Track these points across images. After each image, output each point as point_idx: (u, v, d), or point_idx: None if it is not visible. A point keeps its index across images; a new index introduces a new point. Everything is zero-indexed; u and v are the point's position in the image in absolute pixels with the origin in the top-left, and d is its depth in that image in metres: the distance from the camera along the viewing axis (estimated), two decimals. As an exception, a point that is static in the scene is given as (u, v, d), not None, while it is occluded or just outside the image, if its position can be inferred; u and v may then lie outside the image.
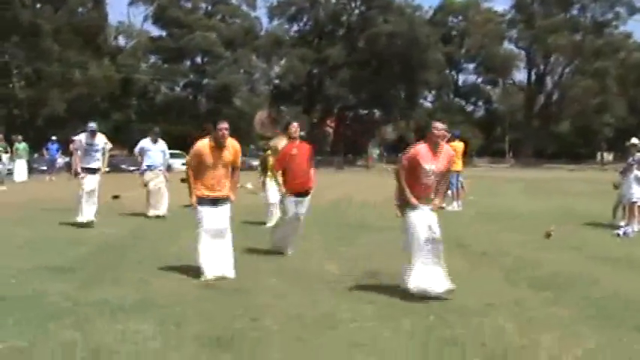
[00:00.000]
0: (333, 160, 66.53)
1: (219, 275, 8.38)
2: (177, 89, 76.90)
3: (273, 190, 14.03)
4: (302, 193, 10.42)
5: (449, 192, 20.11)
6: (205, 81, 72.31)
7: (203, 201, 8.73)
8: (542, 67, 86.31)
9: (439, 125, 7.80)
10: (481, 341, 6.02)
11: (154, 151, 16.57)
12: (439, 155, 7.78)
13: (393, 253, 9.83)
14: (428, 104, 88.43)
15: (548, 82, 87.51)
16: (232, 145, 8.88)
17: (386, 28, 70.75)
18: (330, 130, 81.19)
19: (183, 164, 40.06)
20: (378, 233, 13.80)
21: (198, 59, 74.34)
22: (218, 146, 8.75)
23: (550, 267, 10.13)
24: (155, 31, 76.88)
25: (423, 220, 7.60)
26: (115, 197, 21.26)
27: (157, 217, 15.97)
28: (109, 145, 15.16)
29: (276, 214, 13.78)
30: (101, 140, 14.75)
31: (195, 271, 8.91)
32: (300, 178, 10.42)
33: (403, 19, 72.39)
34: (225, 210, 8.80)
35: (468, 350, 5.81)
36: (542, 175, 49.71)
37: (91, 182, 14.31)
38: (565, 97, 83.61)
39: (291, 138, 10.70)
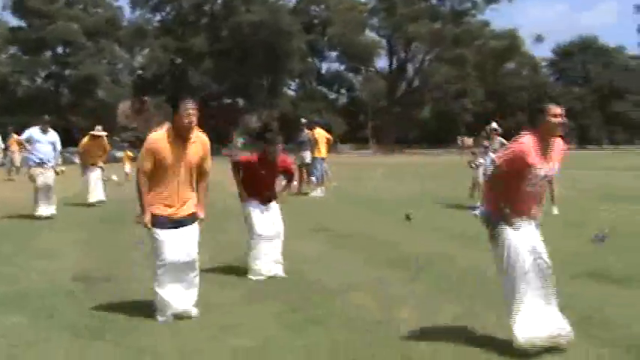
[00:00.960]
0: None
1: (180, 312, 7.60)
2: (39, 81, 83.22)
3: None
4: None
5: (312, 178, 24.42)
6: (67, 72, 79.27)
7: (161, 222, 7.46)
8: (403, 54, 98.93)
9: (556, 110, 6.41)
10: (343, 319, 7.41)
11: (44, 143, 17.47)
12: (551, 153, 6.56)
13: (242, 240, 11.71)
14: (292, 93, 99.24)
15: (410, 69, 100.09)
16: (200, 138, 7.73)
17: (249, 17, 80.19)
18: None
19: None
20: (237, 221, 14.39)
21: (60, 50, 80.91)
22: (181, 140, 7.50)
23: (409, 247, 12.05)
24: (14, 22, 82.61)
25: (526, 242, 6.53)
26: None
27: (47, 217, 17.01)
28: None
29: None
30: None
31: (70, 265, 10.53)
32: None
33: (266, 8, 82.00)
34: (192, 234, 7.71)
35: (331, 328, 7.11)
36: (404, 160, 56.69)
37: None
38: (426, 83, 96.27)
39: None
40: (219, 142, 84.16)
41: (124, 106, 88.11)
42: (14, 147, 34.30)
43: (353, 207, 20.02)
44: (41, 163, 17.39)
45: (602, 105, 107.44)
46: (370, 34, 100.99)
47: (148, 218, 7.51)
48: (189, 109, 7.60)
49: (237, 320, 7.52)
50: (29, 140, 17.63)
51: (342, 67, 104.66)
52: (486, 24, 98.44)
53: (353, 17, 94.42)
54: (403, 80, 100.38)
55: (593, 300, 8.25)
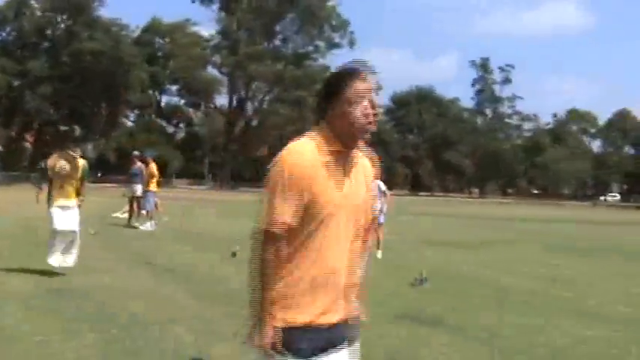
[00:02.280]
0: (30, 176, 76.35)
1: None
2: None
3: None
4: None
5: (143, 211, 24.43)
6: None
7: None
8: (243, 93, 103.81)
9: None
10: (160, 352, 7.47)
11: None
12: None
13: (85, 269, 12.61)
14: (130, 123, 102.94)
15: (249, 107, 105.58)
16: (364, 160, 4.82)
17: (90, 45, 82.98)
18: (29, 145, 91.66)
19: None
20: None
21: None
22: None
23: (233, 283, 12.17)
24: None
25: None
26: None
27: None
28: None
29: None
30: None
31: None
32: None
33: (108, 37, 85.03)
34: None
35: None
36: (238, 198, 57.19)
37: None
38: (265, 123, 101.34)
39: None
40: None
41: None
42: None
43: (181, 241, 19.76)
44: None
45: (435, 153, 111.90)
46: (212, 71, 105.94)
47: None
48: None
49: (52, 351, 7.51)
50: None
51: (182, 102, 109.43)
52: (327, 68, 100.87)
53: (195, 52, 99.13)
54: (242, 118, 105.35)
55: (401, 340, 8.71)
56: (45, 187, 12.61)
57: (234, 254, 16.13)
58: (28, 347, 7.57)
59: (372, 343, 7.90)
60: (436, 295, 12.43)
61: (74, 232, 12.63)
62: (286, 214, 3.40)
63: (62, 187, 13.00)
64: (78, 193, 13.11)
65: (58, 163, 12.97)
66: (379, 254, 18.53)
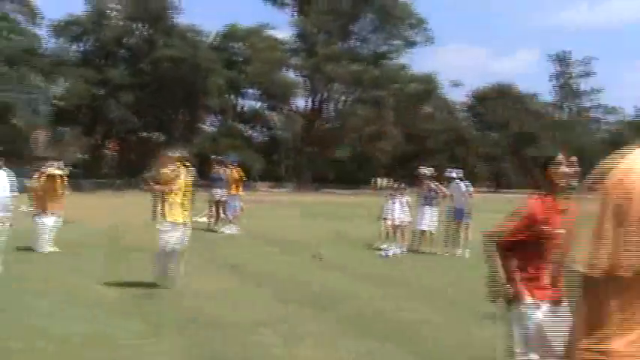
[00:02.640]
0: (114, 183, 78.04)
1: None
2: None
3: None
4: None
5: (223, 215, 24.78)
6: None
7: None
8: (322, 94, 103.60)
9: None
10: (246, 355, 7.76)
11: None
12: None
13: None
14: (210, 129, 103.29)
15: (328, 109, 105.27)
16: None
17: (169, 52, 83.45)
18: (111, 153, 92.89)
19: None
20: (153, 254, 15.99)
21: None
22: None
23: (317, 286, 12.54)
24: None
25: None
26: None
27: None
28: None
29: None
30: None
31: None
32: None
33: (186, 43, 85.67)
34: None
35: None
36: (319, 200, 58.61)
37: None
38: (344, 124, 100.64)
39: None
40: (134, 175, 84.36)
41: (39, 136, 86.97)
42: None
43: (265, 245, 20.22)
44: None
45: (517, 150, 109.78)
46: (290, 74, 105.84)
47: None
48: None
49: (138, 354, 7.67)
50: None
51: (262, 105, 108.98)
52: (405, 67, 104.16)
53: (273, 56, 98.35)
54: (322, 120, 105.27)
55: (490, 341, 8.27)
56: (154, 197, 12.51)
57: (317, 256, 16.75)
58: (115, 352, 7.74)
59: (460, 342, 8.24)
60: None
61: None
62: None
63: (175, 201, 12.05)
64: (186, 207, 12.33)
65: (173, 172, 12.13)
66: (467, 254, 18.52)
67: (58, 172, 18.53)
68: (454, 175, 20.37)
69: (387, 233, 20.28)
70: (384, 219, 20.41)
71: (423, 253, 19.23)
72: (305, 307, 10.69)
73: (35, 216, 17.96)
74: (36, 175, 18.44)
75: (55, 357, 7.60)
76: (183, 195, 12.18)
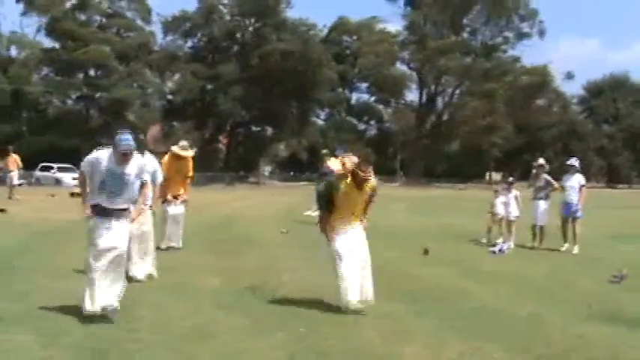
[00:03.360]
0: (224, 176, 79.21)
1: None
2: (70, 102, 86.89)
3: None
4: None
5: None
6: (98, 94, 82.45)
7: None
8: (433, 87, 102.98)
9: None
10: (349, 351, 7.60)
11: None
12: None
13: (274, 268, 13.00)
14: (320, 122, 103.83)
15: (439, 102, 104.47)
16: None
17: (279, 45, 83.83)
18: (222, 147, 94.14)
19: (74, 179, 54.66)
20: (263, 248, 16.81)
21: (92, 72, 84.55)
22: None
23: (424, 281, 12.26)
24: (48, 43, 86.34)
25: None
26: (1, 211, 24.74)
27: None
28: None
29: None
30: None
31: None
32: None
33: (297, 37, 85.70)
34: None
35: (335, 359, 7.37)
36: (429, 194, 58.21)
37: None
38: (455, 117, 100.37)
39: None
40: (246, 169, 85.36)
41: (154, 130, 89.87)
42: (13, 166, 36.93)
43: (373, 238, 19.11)
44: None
45: (633, 144, 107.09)
46: (401, 67, 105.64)
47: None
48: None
49: (241, 349, 7.75)
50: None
51: (372, 99, 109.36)
52: (517, 59, 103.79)
53: (383, 49, 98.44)
54: (432, 113, 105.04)
55: (600, 341, 8.39)
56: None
57: (426, 251, 16.32)
58: (218, 345, 7.85)
59: (571, 342, 7.96)
60: (637, 293, 11.87)
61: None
62: None
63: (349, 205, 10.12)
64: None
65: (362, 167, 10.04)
66: (575, 249, 17.86)
67: (185, 152, 16.11)
68: (572, 162, 19.28)
69: (490, 228, 19.82)
70: (492, 214, 20.02)
71: (534, 248, 18.39)
72: (410, 303, 10.45)
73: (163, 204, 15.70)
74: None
75: (155, 348, 7.72)
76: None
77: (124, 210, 9.28)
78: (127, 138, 8.98)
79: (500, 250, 17.43)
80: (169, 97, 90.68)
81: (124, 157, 8.98)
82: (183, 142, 16.39)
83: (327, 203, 10.12)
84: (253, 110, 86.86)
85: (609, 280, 12.68)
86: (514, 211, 19.21)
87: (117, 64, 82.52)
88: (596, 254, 16.98)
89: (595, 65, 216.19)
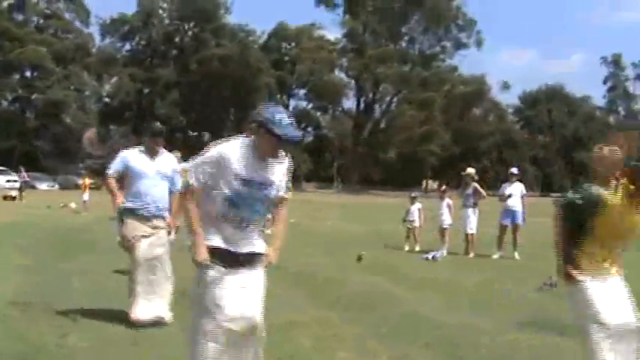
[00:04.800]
0: None
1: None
2: (5, 103, 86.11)
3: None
4: None
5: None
6: (34, 96, 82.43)
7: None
8: (371, 95, 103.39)
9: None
10: (281, 357, 7.33)
11: (152, 176, 8.90)
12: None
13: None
14: None
15: (377, 110, 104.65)
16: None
17: (218, 51, 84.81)
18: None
19: (7, 181, 54.16)
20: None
21: (28, 73, 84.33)
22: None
23: (356, 288, 12.11)
24: None
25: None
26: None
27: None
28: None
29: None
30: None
31: (9, 290, 10.26)
32: None
33: (236, 42, 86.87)
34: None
35: None
36: (365, 201, 58.70)
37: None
38: (392, 125, 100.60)
39: None
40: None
41: (90, 134, 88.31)
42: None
43: (306, 245, 19.25)
44: (147, 216, 8.63)
45: (566, 153, 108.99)
46: (339, 74, 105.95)
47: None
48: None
49: (176, 354, 7.17)
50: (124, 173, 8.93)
51: (310, 106, 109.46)
52: (455, 69, 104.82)
53: (322, 56, 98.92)
54: (370, 121, 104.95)
55: (531, 348, 8.36)
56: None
57: (359, 258, 16.05)
58: (147, 353, 7.46)
59: (501, 349, 7.90)
60: (566, 300, 11.44)
61: None
62: None
63: None
64: None
65: None
66: (517, 255, 18.04)
67: None
68: (515, 172, 19.67)
69: (408, 236, 20.03)
70: (408, 221, 20.23)
71: (466, 255, 18.40)
72: (342, 309, 10.31)
73: None
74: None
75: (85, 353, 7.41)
76: None
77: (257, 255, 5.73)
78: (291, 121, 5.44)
79: (433, 258, 17.28)
80: (106, 100, 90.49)
81: (274, 151, 5.52)
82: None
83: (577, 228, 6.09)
84: (191, 115, 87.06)
85: (540, 288, 12.60)
86: (447, 219, 19.16)
87: (54, 66, 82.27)
88: (530, 262, 16.91)
89: (532, 75, 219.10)
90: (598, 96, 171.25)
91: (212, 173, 5.43)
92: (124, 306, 9.04)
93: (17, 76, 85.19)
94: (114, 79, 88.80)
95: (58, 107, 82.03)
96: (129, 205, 8.71)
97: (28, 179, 49.20)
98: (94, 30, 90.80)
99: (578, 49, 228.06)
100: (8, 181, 57.57)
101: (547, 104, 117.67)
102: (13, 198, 40.16)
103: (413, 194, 21.66)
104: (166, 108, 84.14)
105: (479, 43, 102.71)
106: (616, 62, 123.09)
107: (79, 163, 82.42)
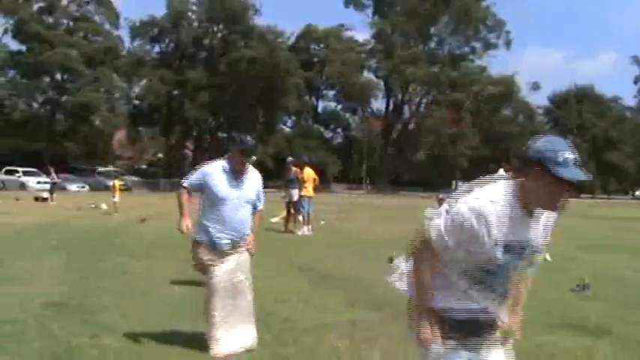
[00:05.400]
0: None
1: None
2: (36, 106, 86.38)
3: None
4: None
5: (299, 217, 24.30)
6: (64, 98, 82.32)
7: None
8: (400, 96, 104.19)
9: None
10: (312, 358, 7.57)
11: (234, 199, 7.81)
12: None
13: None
14: (287, 130, 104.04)
15: (406, 111, 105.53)
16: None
17: (247, 53, 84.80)
18: (189, 153, 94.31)
19: (38, 182, 54.97)
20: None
21: (58, 76, 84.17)
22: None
23: (387, 289, 11.11)
24: (14, 46, 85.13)
25: None
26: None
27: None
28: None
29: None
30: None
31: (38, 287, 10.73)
32: None
33: (264, 44, 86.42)
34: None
35: None
36: (394, 202, 58.20)
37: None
38: (422, 126, 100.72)
39: None
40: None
41: (120, 136, 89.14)
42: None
43: (338, 247, 19.40)
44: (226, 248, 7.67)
45: (597, 154, 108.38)
46: (368, 75, 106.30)
47: None
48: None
49: (205, 353, 7.52)
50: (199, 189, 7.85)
51: (339, 107, 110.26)
52: (483, 69, 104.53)
53: (351, 57, 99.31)
54: (399, 122, 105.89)
55: (562, 351, 8.35)
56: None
57: (391, 260, 15.49)
58: (179, 355, 7.57)
59: (531, 353, 7.70)
60: (599, 302, 11.75)
61: None
62: None
63: None
64: None
65: None
66: (548, 256, 17.82)
67: None
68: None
69: None
70: None
71: None
72: (375, 310, 10.24)
73: None
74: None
75: (122, 355, 7.50)
76: None
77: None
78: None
79: None
80: (136, 102, 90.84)
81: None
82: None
83: None
84: (220, 117, 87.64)
85: (572, 290, 12.68)
86: None
87: (84, 68, 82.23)
88: (562, 264, 16.61)
89: (561, 76, 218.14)
90: (629, 96, 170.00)
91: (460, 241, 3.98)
92: (157, 308, 9.48)
93: (47, 79, 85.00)
94: (143, 82, 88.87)
95: (87, 109, 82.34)
96: (203, 235, 7.54)
97: (58, 180, 49.35)
98: (123, 32, 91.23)
99: (608, 49, 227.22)
100: (39, 182, 58.19)
101: (577, 105, 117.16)
102: (45, 199, 40.48)
103: (440, 195, 21.03)
104: (196, 110, 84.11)
105: (508, 44, 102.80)
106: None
107: (110, 165, 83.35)
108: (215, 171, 7.60)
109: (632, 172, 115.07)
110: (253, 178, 7.79)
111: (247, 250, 7.87)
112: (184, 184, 7.74)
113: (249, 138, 7.93)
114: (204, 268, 7.62)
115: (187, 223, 7.67)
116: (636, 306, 11.38)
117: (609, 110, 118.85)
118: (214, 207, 7.53)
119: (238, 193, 7.57)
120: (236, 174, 7.53)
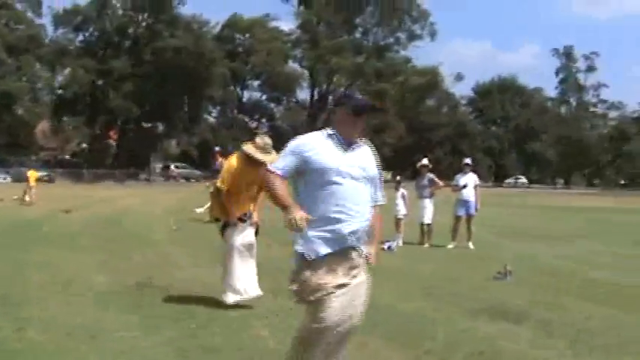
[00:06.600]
0: (114, 173, 79.29)
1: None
2: None
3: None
4: None
5: None
6: None
7: None
8: (325, 86, 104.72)
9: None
10: (237, 347, 7.55)
11: None
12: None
13: (164, 265, 13.07)
14: (212, 119, 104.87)
15: (331, 101, 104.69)
16: None
17: (172, 42, 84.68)
18: (113, 143, 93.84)
19: None
20: (153, 246, 16.89)
21: None
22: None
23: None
24: None
25: None
26: None
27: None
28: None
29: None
30: None
31: None
32: None
33: (189, 33, 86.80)
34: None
35: (224, 355, 7.31)
36: None
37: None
38: None
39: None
40: (137, 166, 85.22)
41: (43, 126, 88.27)
42: None
43: (265, 236, 19.86)
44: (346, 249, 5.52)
45: (519, 144, 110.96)
46: (293, 65, 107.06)
47: None
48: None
49: (130, 346, 7.65)
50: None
51: (264, 97, 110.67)
52: (408, 60, 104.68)
53: (276, 47, 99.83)
54: (324, 112, 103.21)
55: (485, 335, 8.60)
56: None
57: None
58: (106, 343, 7.64)
59: (455, 337, 8.07)
60: (520, 288, 12.22)
61: None
62: None
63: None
64: None
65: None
66: (471, 245, 18.88)
67: (265, 157, 9.35)
68: (469, 162, 20.55)
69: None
70: None
71: (421, 245, 19.10)
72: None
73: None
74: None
75: (42, 347, 7.58)
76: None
77: None
78: None
79: (388, 248, 17.55)
80: (59, 91, 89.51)
81: None
82: (267, 140, 9.83)
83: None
84: (145, 106, 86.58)
85: (494, 277, 13.12)
86: (402, 210, 19.61)
87: (6, 57, 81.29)
88: (484, 252, 17.64)
89: (484, 67, 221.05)
90: (550, 87, 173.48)
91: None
92: (82, 299, 9.68)
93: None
94: (67, 71, 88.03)
95: (10, 98, 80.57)
96: (315, 232, 5.35)
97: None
98: (46, 21, 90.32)
99: (530, 41, 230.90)
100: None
101: (500, 95, 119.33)
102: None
103: (397, 177, 21.97)
104: (120, 99, 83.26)
105: (432, 35, 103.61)
106: (567, 54, 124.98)
107: (32, 156, 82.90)
108: (318, 139, 5.90)
109: (554, 162, 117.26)
110: (366, 150, 5.92)
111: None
112: (276, 172, 5.43)
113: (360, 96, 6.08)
114: (313, 301, 5.49)
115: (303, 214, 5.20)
116: (556, 291, 11.97)
117: (532, 101, 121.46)
118: (323, 193, 5.40)
119: (355, 164, 5.57)
120: (346, 142, 5.70)
